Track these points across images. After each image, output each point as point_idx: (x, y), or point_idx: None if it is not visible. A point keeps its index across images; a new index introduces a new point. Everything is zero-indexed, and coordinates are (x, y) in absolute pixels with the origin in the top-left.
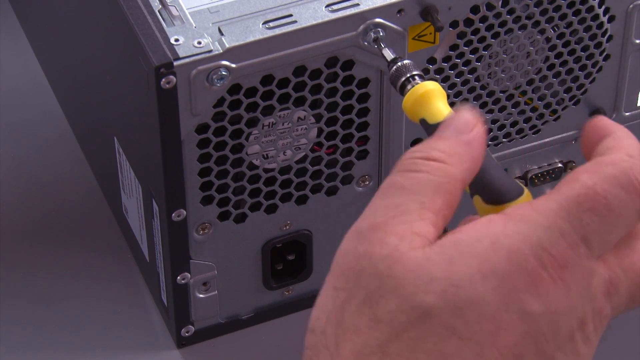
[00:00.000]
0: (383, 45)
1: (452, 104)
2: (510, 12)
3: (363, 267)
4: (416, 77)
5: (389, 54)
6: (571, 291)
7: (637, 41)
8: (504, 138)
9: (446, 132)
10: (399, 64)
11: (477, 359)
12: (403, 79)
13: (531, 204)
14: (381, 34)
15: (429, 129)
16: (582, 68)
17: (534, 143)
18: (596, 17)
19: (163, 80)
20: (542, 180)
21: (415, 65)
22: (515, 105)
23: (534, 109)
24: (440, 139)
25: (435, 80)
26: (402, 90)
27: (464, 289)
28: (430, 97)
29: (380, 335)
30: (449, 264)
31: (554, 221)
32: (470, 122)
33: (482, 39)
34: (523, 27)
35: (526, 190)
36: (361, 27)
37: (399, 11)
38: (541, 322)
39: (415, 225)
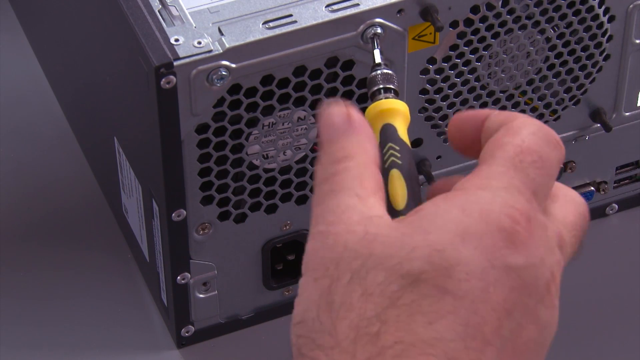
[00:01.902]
0: (377, 46)
1: (452, 104)
2: (510, 12)
3: (339, 253)
4: (389, 91)
5: (377, 57)
6: (539, 244)
7: (637, 41)
8: None
9: (330, 136)
10: (379, 71)
11: (473, 316)
12: (376, 88)
13: (478, 175)
14: (379, 31)
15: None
16: (582, 68)
17: None
18: (596, 17)
19: (163, 80)
20: None
21: (394, 79)
22: (515, 105)
23: (534, 109)
24: (330, 143)
25: (435, 80)
26: (372, 98)
27: (447, 251)
28: (391, 116)
29: (374, 307)
30: (426, 234)
31: (508, 181)
32: (338, 114)
33: (482, 39)
34: (523, 27)
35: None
36: (361, 27)
37: (399, 11)
38: (523, 275)
39: (366, 211)
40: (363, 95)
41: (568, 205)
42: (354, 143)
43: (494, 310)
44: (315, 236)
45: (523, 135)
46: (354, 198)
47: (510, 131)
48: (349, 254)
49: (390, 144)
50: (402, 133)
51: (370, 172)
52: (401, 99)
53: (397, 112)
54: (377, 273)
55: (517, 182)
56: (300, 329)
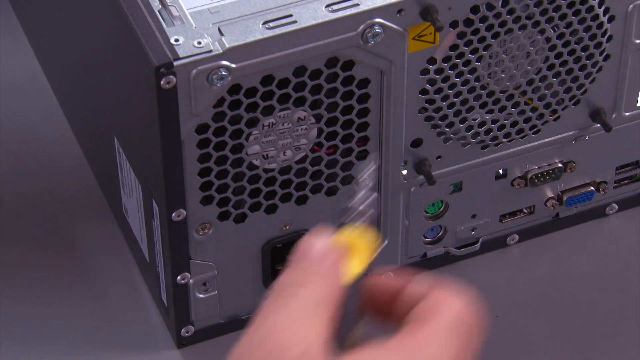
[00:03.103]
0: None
1: (452, 104)
2: (510, 12)
3: None
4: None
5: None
6: None
7: (637, 41)
8: (504, 138)
9: (301, 262)
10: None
11: None
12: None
13: (416, 335)
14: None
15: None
16: (582, 68)
17: (534, 143)
18: (596, 17)
19: (163, 80)
20: (542, 180)
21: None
22: (515, 105)
23: (534, 109)
24: (295, 269)
25: (435, 80)
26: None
27: None
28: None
29: None
30: None
31: (449, 340)
32: (318, 245)
33: (482, 39)
34: (523, 27)
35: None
36: (361, 27)
37: (399, 11)
38: None
39: (309, 337)
40: (363, 95)
41: None
42: (317, 272)
43: None
44: (251, 336)
45: (456, 306)
46: (305, 318)
47: (440, 300)
48: None
49: None
50: (353, 271)
51: (328, 304)
52: (401, 100)
53: (352, 250)
54: None
55: (458, 340)
56: None
